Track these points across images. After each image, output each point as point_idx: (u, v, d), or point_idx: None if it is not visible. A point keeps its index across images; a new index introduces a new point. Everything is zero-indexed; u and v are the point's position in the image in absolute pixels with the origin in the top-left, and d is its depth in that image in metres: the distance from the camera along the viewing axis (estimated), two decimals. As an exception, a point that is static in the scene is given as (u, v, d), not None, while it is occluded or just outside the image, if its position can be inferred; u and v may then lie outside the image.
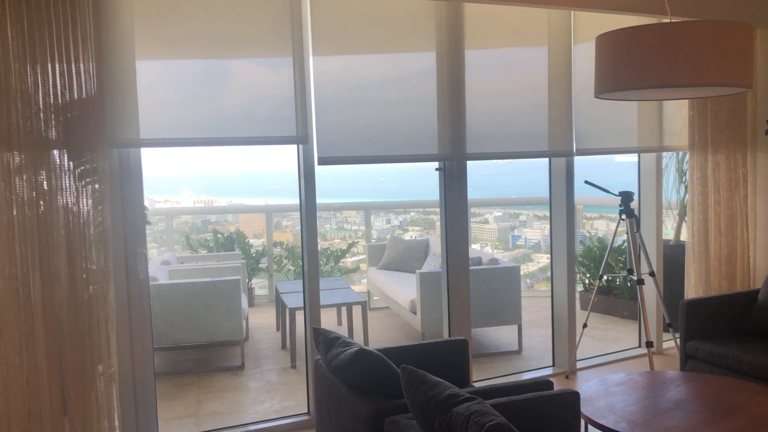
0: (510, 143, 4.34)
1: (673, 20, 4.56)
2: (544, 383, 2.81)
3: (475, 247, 8.33)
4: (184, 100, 3.58)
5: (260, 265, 7.83)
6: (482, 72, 4.25)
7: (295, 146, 3.93)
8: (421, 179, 4.21)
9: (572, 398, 2.61)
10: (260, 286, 7.99)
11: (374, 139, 3.99)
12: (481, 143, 4.24)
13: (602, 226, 9.19)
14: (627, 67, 2.73)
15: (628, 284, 6.29)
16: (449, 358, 3.38)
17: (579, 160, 4.66)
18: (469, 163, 4.31)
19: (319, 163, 3.88)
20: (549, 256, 4.93)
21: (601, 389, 3.30)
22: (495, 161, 4.46)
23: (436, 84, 4.12)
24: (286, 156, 3.82)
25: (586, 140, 4.62)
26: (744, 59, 2.67)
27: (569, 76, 4.52)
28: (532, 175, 4.59)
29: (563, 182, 4.67)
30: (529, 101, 4.40)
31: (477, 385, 4.28)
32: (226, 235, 7.92)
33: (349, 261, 8.64)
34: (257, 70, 3.76)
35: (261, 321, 6.82)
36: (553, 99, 4.48)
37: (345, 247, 8.26)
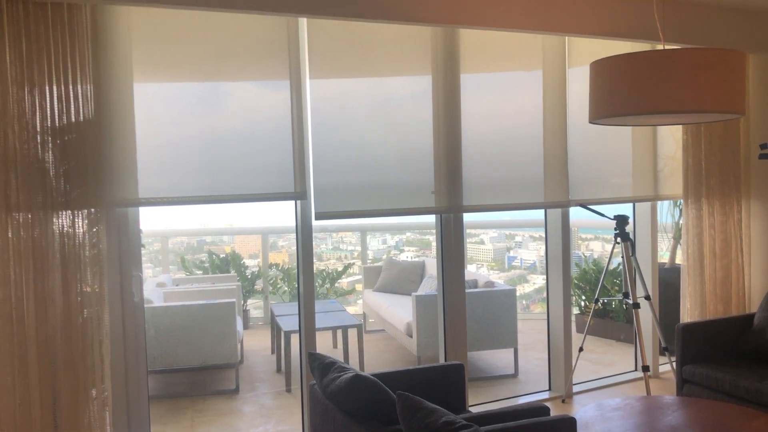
0: (507, 195, 4.43)
1: (666, 46, 4.63)
2: (540, 409, 2.80)
3: (470, 268, 8.32)
4: (183, 142, 3.60)
5: (255, 287, 7.81)
6: (478, 114, 4.28)
7: (289, 164, 3.93)
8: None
9: (569, 424, 2.60)
10: (255, 306, 7.96)
11: (368, 187, 4.04)
12: (478, 195, 4.33)
13: (597, 247, 9.20)
14: (621, 93, 2.76)
15: (624, 307, 6.29)
16: (445, 382, 3.37)
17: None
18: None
19: (317, 218, 3.93)
20: (544, 277, 4.94)
21: (598, 414, 3.28)
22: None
23: (432, 131, 4.15)
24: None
25: (582, 189, 4.68)
26: (737, 86, 2.71)
27: (564, 124, 4.56)
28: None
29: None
30: (524, 149, 4.48)
31: (473, 410, 4.26)
32: (221, 256, 7.91)
33: (344, 282, 8.62)
34: (254, 91, 3.78)
35: (256, 343, 6.79)
36: (548, 147, 4.52)
37: (341, 269, 8.25)
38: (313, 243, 4.05)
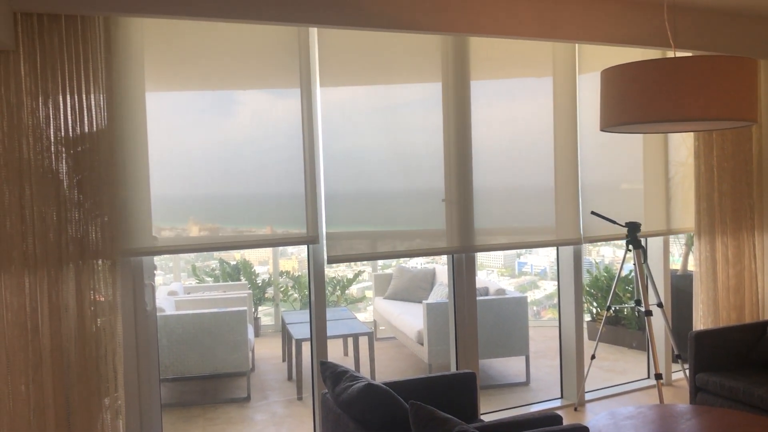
0: (518, 201, 4.47)
1: (677, 53, 4.62)
2: (552, 417, 2.79)
3: (481, 274, 8.31)
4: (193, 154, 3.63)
5: (266, 295, 7.82)
6: (489, 121, 4.29)
7: (300, 172, 3.94)
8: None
9: (582, 434, 2.59)
10: (266, 313, 7.97)
11: (379, 194, 4.08)
12: (490, 204, 4.36)
13: (608, 252, 9.16)
14: (633, 101, 2.75)
15: (636, 315, 6.25)
16: (457, 391, 3.36)
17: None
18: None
19: (329, 262, 3.98)
20: (555, 282, 4.92)
21: (611, 423, 3.26)
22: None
23: (443, 138, 4.17)
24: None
25: (593, 196, 4.69)
26: (748, 94, 2.70)
27: (575, 129, 4.56)
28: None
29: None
30: (536, 155, 4.49)
31: (485, 418, 4.25)
32: (232, 264, 7.93)
33: (354, 290, 8.63)
34: (265, 100, 3.80)
35: (267, 352, 6.80)
36: (559, 152, 4.52)
37: (351, 276, 8.25)
38: (324, 249, 4.09)
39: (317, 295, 4.00)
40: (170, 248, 3.59)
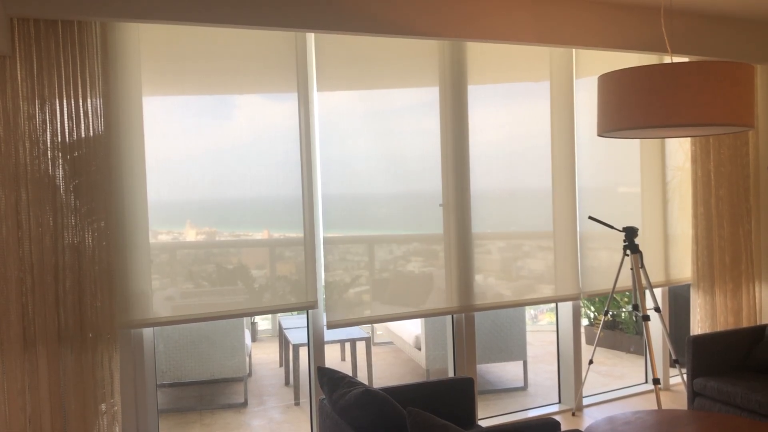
0: (514, 205, 4.51)
1: (673, 58, 4.63)
2: (550, 423, 2.78)
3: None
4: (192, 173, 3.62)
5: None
6: (486, 125, 4.30)
7: (297, 176, 3.95)
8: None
9: (580, 440, 2.58)
10: (263, 318, 7.95)
11: (376, 197, 4.05)
12: (487, 207, 4.39)
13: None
14: (630, 106, 2.75)
15: (634, 319, 6.25)
16: (455, 397, 3.35)
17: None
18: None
19: (328, 327, 4.03)
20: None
21: (609, 429, 3.26)
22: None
23: (440, 142, 4.17)
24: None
25: (590, 200, 4.71)
26: (745, 99, 2.70)
27: (572, 133, 4.56)
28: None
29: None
30: (532, 158, 4.51)
31: (483, 423, 4.24)
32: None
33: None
34: (262, 104, 3.80)
35: (264, 357, 6.78)
36: (556, 155, 4.52)
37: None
38: (321, 253, 4.10)
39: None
40: (170, 320, 3.58)
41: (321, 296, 4.05)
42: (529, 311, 8.83)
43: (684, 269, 5.07)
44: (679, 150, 5.03)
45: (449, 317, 4.38)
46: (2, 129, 3.07)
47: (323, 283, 4.11)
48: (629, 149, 4.88)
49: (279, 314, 7.59)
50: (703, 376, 4.09)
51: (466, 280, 4.35)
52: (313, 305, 3.96)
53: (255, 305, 3.90)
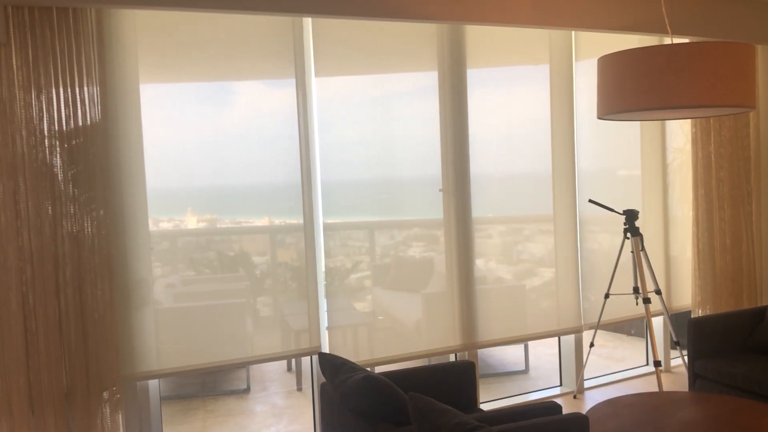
0: (514, 189, 4.51)
1: (674, 39, 4.59)
2: (552, 407, 2.79)
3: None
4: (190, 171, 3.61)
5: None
6: (485, 109, 4.28)
7: (296, 163, 3.94)
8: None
9: (581, 422, 2.59)
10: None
11: (377, 183, 4.05)
12: (487, 191, 4.41)
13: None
14: (630, 88, 2.74)
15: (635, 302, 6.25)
16: (456, 381, 3.36)
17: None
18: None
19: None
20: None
21: (610, 411, 3.27)
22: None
23: (439, 127, 4.15)
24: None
25: (590, 184, 4.69)
26: (746, 80, 2.68)
27: (572, 116, 4.54)
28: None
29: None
30: (533, 141, 4.49)
31: (484, 407, 4.26)
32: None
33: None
34: (260, 90, 3.78)
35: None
36: (556, 138, 4.50)
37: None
38: (321, 240, 4.10)
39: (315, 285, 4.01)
40: (175, 370, 3.57)
41: (322, 295, 4.06)
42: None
43: (684, 251, 5.07)
44: (680, 132, 5.01)
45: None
46: (-1, 118, 3.05)
47: (323, 269, 4.13)
48: (629, 131, 4.86)
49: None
50: (704, 358, 4.10)
51: (466, 264, 4.34)
52: (316, 350, 4.01)
53: (254, 299, 3.87)
